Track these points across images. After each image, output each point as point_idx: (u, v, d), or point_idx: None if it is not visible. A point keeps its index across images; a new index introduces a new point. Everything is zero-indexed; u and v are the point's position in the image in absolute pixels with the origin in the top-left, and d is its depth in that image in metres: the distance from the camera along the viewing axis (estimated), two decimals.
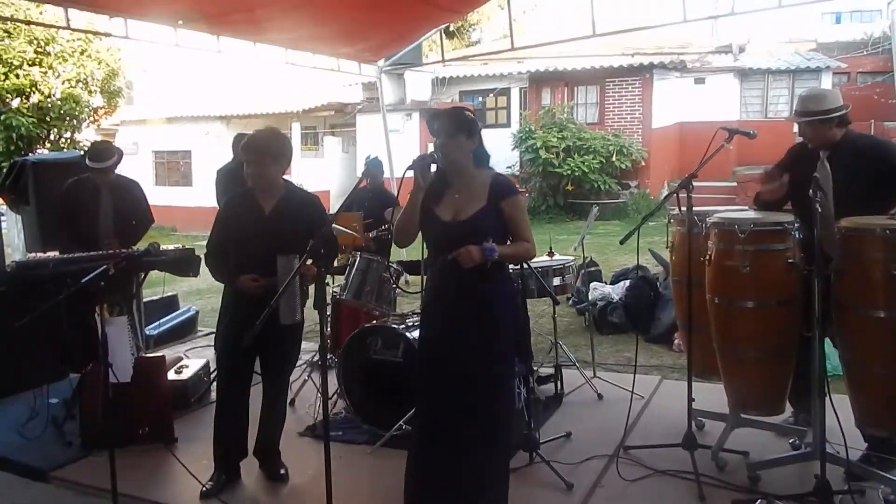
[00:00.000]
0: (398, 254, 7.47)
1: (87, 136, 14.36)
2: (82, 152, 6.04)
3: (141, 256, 3.86)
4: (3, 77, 12.82)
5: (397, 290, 4.76)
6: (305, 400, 4.62)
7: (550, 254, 4.84)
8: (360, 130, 17.39)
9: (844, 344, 3.19)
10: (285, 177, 3.59)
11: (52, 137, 13.68)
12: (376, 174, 5.90)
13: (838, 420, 3.03)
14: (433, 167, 2.91)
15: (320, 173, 17.20)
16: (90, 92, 14.21)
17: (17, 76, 12.92)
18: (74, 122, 13.85)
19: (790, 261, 3.26)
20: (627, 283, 6.63)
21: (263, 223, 3.42)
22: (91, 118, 14.75)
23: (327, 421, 2.82)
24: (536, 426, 3.82)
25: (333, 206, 14.74)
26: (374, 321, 4.35)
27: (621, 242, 3.55)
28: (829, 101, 3.47)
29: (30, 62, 13.11)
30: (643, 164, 15.62)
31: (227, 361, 3.56)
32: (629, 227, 3.68)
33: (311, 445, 4.02)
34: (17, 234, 6.95)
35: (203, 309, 7.42)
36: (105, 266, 3.04)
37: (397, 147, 9.39)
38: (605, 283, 7.10)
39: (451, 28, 24.16)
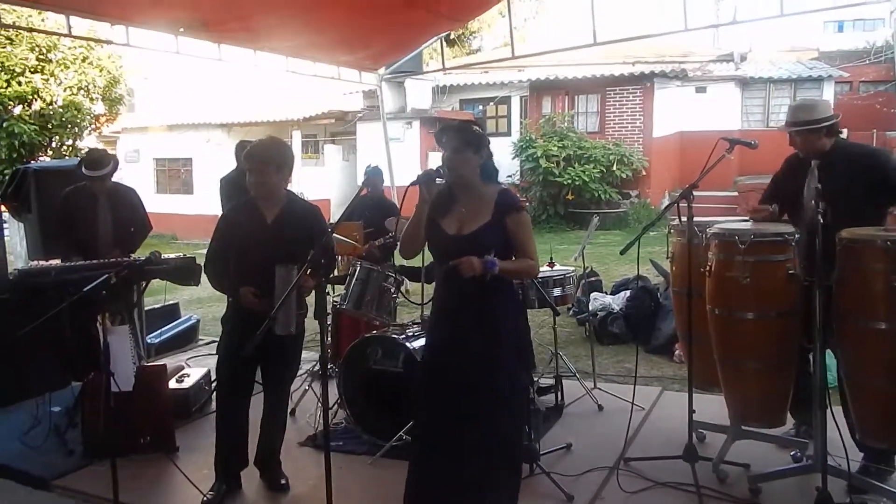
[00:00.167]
0: (399, 259, 7.48)
1: (89, 143, 14.36)
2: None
3: (142, 265, 3.86)
4: (5, 84, 12.85)
5: (398, 299, 4.77)
6: (306, 410, 4.62)
7: (551, 264, 4.85)
8: (360, 138, 17.43)
9: (844, 356, 3.19)
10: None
11: (53, 145, 13.70)
12: (376, 183, 5.92)
13: (839, 432, 3.03)
14: (438, 181, 2.93)
15: (321, 181, 17.22)
16: (92, 99, 14.24)
17: (20, 83, 12.96)
18: (76, 129, 13.87)
19: (791, 272, 3.27)
20: (628, 293, 6.63)
21: (266, 232, 3.43)
22: (92, 125, 14.77)
23: (328, 431, 2.83)
24: (536, 437, 3.81)
25: (334, 215, 14.77)
26: (375, 331, 4.35)
27: (622, 253, 3.55)
28: (819, 111, 3.50)
29: (32, 69, 13.15)
30: (644, 173, 15.63)
31: (228, 371, 3.56)
32: (630, 237, 3.69)
33: (311, 455, 4.02)
34: (19, 241, 6.95)
35: (204, 317, 7.42)
36: (107, 275, 3.05)
37: (398, 155, 9.42)
38: (606, 293, 7.09)
39: (452, 36, 24.27)
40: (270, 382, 3.62)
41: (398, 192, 7.95)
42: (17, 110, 13.08)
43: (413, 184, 2.89)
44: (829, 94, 16.54)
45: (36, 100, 13.27)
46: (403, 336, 4.07)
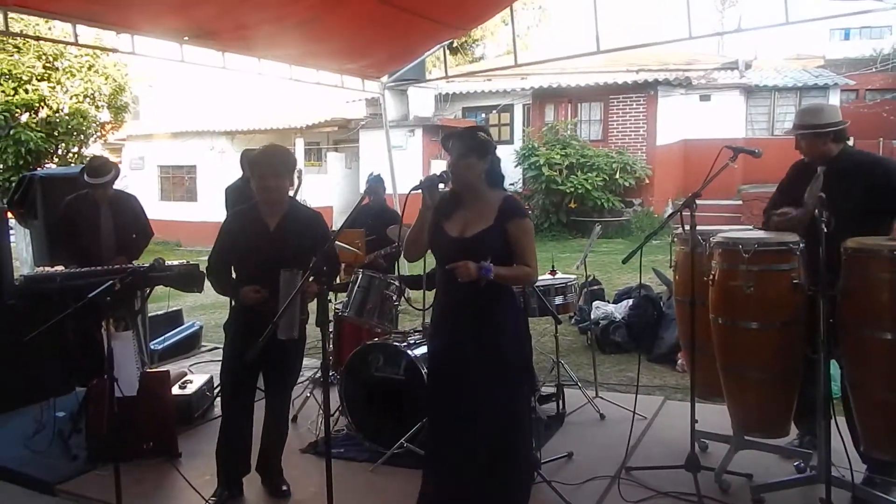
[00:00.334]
0: (400, 268, 7.49)
1: (95, 150, 14.43)
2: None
3: (146, 272, 3.89)
4: (12, 92, 12.92)
5: (400, 306, 4.78)
6: (307, 417, 4.63)
7: (553, 272, 4.85)
8: (363, 146, 17.47)
9: (849, 366, 3.17)
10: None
11: (59, 152, 13.76)
12: (379, 191, 5.96)
13: (843, 443, 3.01)
14: (441, 186, 2.96)
15: (323, 189, 17.27)
16: (97, 107, 14.30)
17: (27, 91, 13.02)
18: (82, 137, 13.93)
19: (795, 281, 3.25)
20: (630, 302, 6.62)
21: (268, 239, 3.45)
22: (98, 133, 14.84)
23: (329, 438, 2.84)
24: (538, 446, 3.79)
25: (336, 223, 14.79)
26: (376, 339, 4.35)
27: (624, 262, 3.55)
28: (826, 115, 3.47)
29: (38, 77, 13.22)
30: (647, 181, 15.62)
31: (231, 376, 3.57)
32: (632, 246, 3.69)
33: (312, 462, 4.02)
34: (25, 247, 6.99)
35: (207, 324, 7.44)
36: (111, 281, 3.07)
37: (400, 163, 9.44)
38: (608, 301, 7.09)
39: (455, 44, 24.36)
40: (272, 388, 3.62)
41: (400, 199, 7.96)
42: (24, 118, 13.15)
43: (415, 189, 2.92)
44: (834, 102, 16.50)
45: (42, 107, 13.34)
46: (405, 344, 4.07)
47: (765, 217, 3.77)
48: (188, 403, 4.61)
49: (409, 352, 3.96)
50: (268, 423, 3.63)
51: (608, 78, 15.98)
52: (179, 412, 4.42)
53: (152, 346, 6.02)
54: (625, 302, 6.75)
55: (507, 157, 15.44)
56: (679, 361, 5.70)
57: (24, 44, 12.89)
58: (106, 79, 14.18)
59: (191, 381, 4.82)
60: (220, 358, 3.75)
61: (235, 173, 5.59)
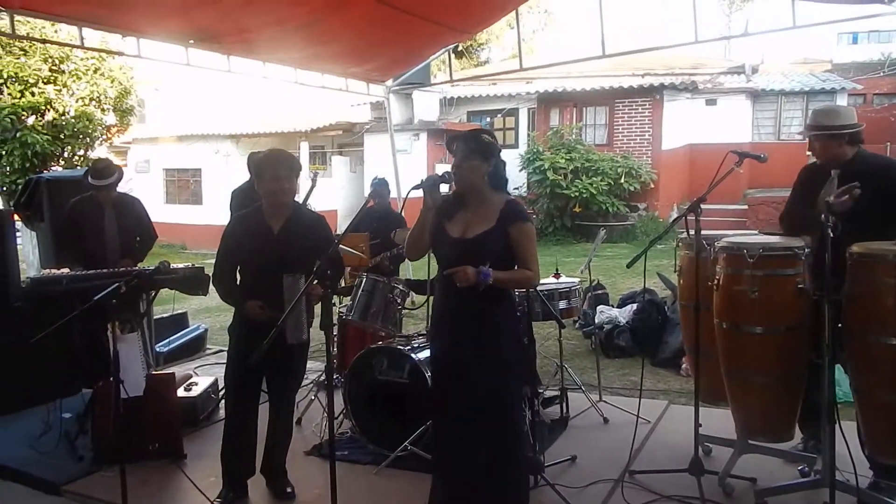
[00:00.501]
0: (405, 273, 7.50)
1: (100, 153, 14.50)
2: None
3: (152, 275, 3.91)
4: (18, 95, 12.99)
5: (403, 311, 4.78)
6: (311, 419, 4.64)
7: (557, 276, 4.85)
8: (367, 150, 17.50)
9: (855, 371, 3.17)
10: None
11: (65, 155, 13.82)
12: (383, 194, 5.97)
13: (848, 447, 3.01)
14: (443, 187, 2.97)
15: (328, 193, 17.30)
16: (103, 110, 14.37)
17: (33, 94, 13.10)
18: (88, 139, 13.98)
19: (800, 286, 3.25)
20: (635, 306, 6.62)
21: (272, 242, 3.46)
22: (104, 136, 14.90)
23: (333, 440, 2.85)
24: (541, 449, 3.80)
25: (341, 226, 14.81)
26: (380, 342, 4.36)
27: (628, 266, 3.56)
28: (842, 117, 3.41)
29: (45, 80, 13.29)
30: (652, 186, 15.59)
31: (235, 379, 3.58)
32: (637, 250, 3.68)
33: (317, 464, 4.02)
34: (31, 250, 7.03)
35: (212, 326, 7.45)
36: (117, 284, 3.08)
37: (405, 167, 9.45)
38: (612, 306, 7.08)
39: (460, 48, 24.37)
40: (276, 390, 3.63)
41: (402, 202, 7.98)
42: (31, 120, 13.21)
43: (415, 188, 2.94)
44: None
45: (49, 110, 13.40)
46: (409, 347, 4.08)
47: (781, 224, 3.72)
48: (193, 405, 4.63)
49: (413, 355, 3.97)
50: (272, 426, 3.64)
51: (613, 82, 15.96)
52: (185, 414, 4.44)
53: (158, 349, 6.04)
54: (629, 306, 6.74)
55: (512, 161, 15.45)
56: (683, 366, 5.69)
57: (30, 47, 12.97)
58: (112, 82, 14.25)
59: (196, 384, 4.83)
60: (225, 360, 3.77)
61: (240, 176, 5.60)
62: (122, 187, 5.29)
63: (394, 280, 4.78)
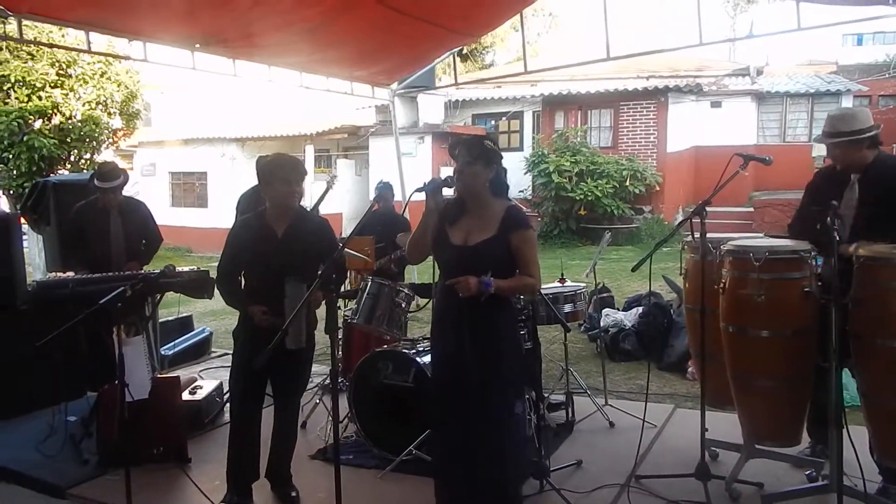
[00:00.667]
0: (410, 277, 7.50)
1: (107, 157, 14.54)
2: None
3: (157, 278, 3.91)
4: (26, 99, 13.05)
5: (408, 314, 4.78)
6: (316, 423, 4.63)
7: (562, 280, 4.84)
8: (372, 153, 17.51)
9: (862, 375, 3.15)
10: None
11: (72, 159, 13.87)
12: (388, 198, 5.97)
13: (856, 452, 2.99)
14: (446, 191, 2.97)
15: (333, 196, 17.30)
16: (110, 114, 14.42)
17: (40, 98, 13.15)
18: (94, 143, 14.03)
19: (806, 290, 3.24)
20: (640, 309, 6.60)
21: (276, 246, 3.46)
22: (110, 140, 14.96)
23: (338, 444, 2.84)
24: (547, 454, 3.79)
25: (346, 229, 14.82)
26: (385, 346, 4.36)
27: (633, 269, 3.55)
28: (860, 120, 3.34)
29: (52, 84, 13.35)
30: (657, 188, 15.55)
31: (240, 383, 3.58)
32: (642, 253, 3.68)
33: (321, 469, 4.02)
34: (37, 253, 7.06)
35: (217, 330, 7.47)
36: (122, 287, 3.09)
37: (410, 170, 9.45)
38: (618, 309, 7.07)
39: (465, 51, 24.41)
40: (281, 394, 3.63)
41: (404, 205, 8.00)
42: (38, 124, 13.26)
43: (418, 190, 2.95)
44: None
45: (55, 114, 13.46)
46: (414, 351, 4.08)
47: (790, 232, 3.66)
48: (198, 409, 4.63)
49: (418, 359, 3.96)
50: (277, 430, 3.64)
51: (618, 84, 15.95)
52: (189, 418, 4.45)
53: (163, 352, 6.05)
54: (635, 310, 6.73)
55: (517, 164, 15.45)
56: (689, 370, 5.67)
57: (37, 51, 13.03)
58: (118, 86, 14.30)
59: (201, 387, 4.84)
60: (230, 364, 3.77)
61: (245, 179, 5.62)
62: (128, 191, 5.31)
63: (399, 283, 4.78)
